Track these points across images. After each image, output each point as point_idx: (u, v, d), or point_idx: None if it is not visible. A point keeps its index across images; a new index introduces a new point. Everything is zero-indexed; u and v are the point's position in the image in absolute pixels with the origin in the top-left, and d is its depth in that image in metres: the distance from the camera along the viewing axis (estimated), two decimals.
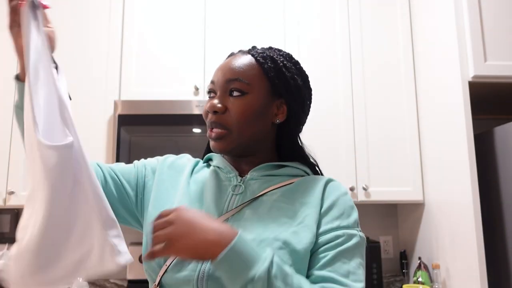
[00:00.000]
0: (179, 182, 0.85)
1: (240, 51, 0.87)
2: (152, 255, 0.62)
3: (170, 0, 2.14)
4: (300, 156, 0.88)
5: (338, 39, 2.14)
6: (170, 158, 0.91)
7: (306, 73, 0.87)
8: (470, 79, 1.71)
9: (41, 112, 0.64)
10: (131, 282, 2.03)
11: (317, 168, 0.89)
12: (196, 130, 1.99)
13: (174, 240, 0.62)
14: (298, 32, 2.14)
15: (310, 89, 0.88)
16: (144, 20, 2.12)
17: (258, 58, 0.82)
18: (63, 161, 0.63)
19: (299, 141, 0.88)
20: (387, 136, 2.08)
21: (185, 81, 2.06)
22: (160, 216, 0.65)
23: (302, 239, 0.71)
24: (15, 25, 0.70)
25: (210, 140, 0.82)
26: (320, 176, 0.86)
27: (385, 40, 2.16)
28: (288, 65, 0.84)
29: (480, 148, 1.72)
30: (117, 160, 1.89)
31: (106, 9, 2.11)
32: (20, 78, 0.73)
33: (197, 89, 2.04)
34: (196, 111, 1.96)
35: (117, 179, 0.84)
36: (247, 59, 0.82)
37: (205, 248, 0.62)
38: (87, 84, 2.04)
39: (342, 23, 2.16)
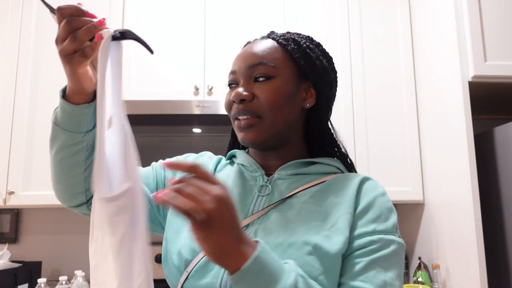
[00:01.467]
0: None
1: (257, 39, 0.82)
2: (162, 201, 0.50)
3: (170, 0, 2.14)
4: (331, 146, 0.81)
5: (338, 39, 2.14)
6: (190, 157, 0.87)
7: (330, 54, 0.82)
8: (470, 79, 1.71)
9: (105, 161, 0.60)
10: None
11: (348, 161, 0.82)
12: (196, 130, 1.99)
13: (212, 220, 0.50)
14: (298, 32, 2.14)
15: (336, 71, 0.82)
16: (144, 20, 2.12)
17: (280, 40, 0.77)
18: (123, 209, 0.60)
19: (330, 126, 0.81)
20: (387, 136, 2.08)
21: (185, 81, 2.06)
22: (200, 174, 0.53)
23: (334, 243, 0.64)
24: (80, 56, 0.60)
25: (238, 131, 0.75)
26: (354, 173, 0.78)
27: (385, 40, 2.16)
28: (311, 46, 0.79)
29: (480, 148, 1.72)
30: None
31: (106, 9, 2.11)
32: (69, 99, 0.68)
33: (197, 89, 2.04)
34: (196, 111, 1.96)
35: None
36: (269, 42, 0.77)
37: (229, 253, 0.53)
38: None
39: (342, 24, 2.16)
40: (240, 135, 0.75)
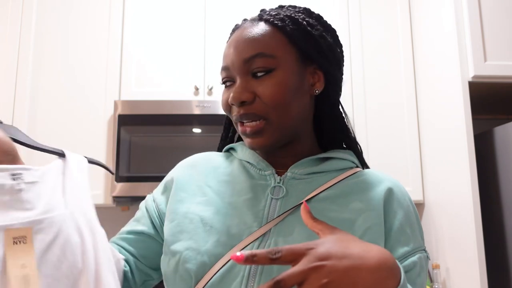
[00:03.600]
0: (192, 195, 0.70)
1: (246, 20, 0.70)
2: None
3: (170, 0, 2.14)
4: (342, 133, 0.73)
5: None
6: (164, 185, 0.75)
7: (332, 26, 0.73)
8: (470, 79, 1.71)
9: None
10: None
11: (359, 149, 0.75)
12: (196, 130, 1.99)
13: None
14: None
15: (341, 44, 0.73)
16: (144, 20, 2.12)
17: (274, 22, 0.65)
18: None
19: (341, 109, 0.73)
20: (387, 136, 2.08)
21: (185, 81, 2.06)
22: (283, 256, 0.44)
23: None
24: None
25: (244, 137, 0.67)
26: (375, 174, 0.70)
27: (385, 40, 2.16)
28: (312, 22, 0.68)
29: (480, 148, 1.72)
30: (117, 160, 1.89)
31: (106, 9, 2.11)
32: None
33: (197, 89, 2.04)
34: (196, 111, 1.96)
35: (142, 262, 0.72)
36: (262, 27, 0.65)
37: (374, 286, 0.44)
38: (87, 84, 2.04)
39: (342, 25, 2.16)
40: (247, 141, 0.66)
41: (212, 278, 0.59)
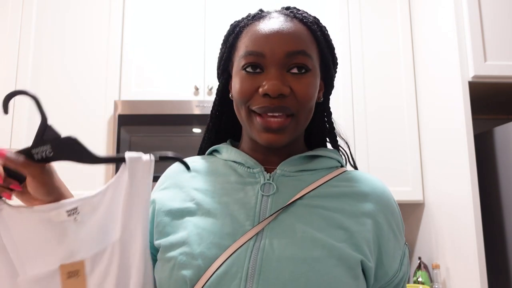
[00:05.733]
0: (181, 202, 0.68)
1: (277, 11, 0.69)
2: None
3: (170, 0, 2.14)
4: (330, 135, 0.75)
5: (338, 41, 2.14)
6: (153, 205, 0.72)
7: None
8: (470, 79, 1.71)
9: None
10: None
11: (346, 151, 0.76)
12: (196, 130, 1.99)
13: None
14: None
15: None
16: (144, 20, 2.12)
17: (308, 23, 0.65)
18: None
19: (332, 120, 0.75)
20: (387, 136, 2.08)
21: (185, 81, 2.06)
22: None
23: (352, 256, 0.60)
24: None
25: (263, 131, 0.63)
26: (364, 176, 0.71)
27: (385, 40, 2.16)
28: (327, 32, 0.69)
29: (480, 148, 1.72)
30: None
31: (106, 9, 2.11)
32: None
33: (197, 89, 2.04)
34: (196, 111, 1.96)
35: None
36: (299, 25, 0.65)
37: None
38: (87, 84, 2.04)
39: (342, 24, 2.16)
40: (264, 136, 0.63)
41: (208, 281, 0.58)
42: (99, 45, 2.08)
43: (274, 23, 0.65)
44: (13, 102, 2.10)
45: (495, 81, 1.72)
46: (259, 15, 0.69)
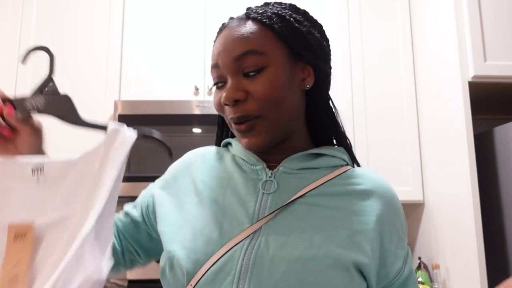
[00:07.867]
0: (184, 194, 0.71)
1: (232, 18, 0.71)
2: None
3: (170, 0, 2.14)
4: (333, 128, 0.74)
5: (338, 41, 2.14)
6: (159, 182, 0.77)
7: (318, 21, 0.73)
8: (470, 79, 1.71)
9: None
10: (131, 282, 2.03)
11: (348, 142, 0.75)
12: (196, 130, 1.99)
13: None
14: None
15: (328, 39, 0.73)
16: (144, 20, 2.12)
17: (263, 20, 0.66)
18: None
19: (331, 104, 0.73)
20: (387, 136, 2.08)
21: (185, 81, 2.06)
22: None
23: (353, 257, 0.60)
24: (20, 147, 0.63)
25: (241, 137, 0.66)
26: (368, 174, 0.71)
27: (385, 40, 2.16)
28: (299, 18, 0.68)
29: (480, 148, 1.72)
30: None
31: (106, 9, 2.11)
32: None
33: (197, 89, 2.04)
34: (196, 111, 1.97)
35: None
36: (250, 25, 0.66)
37: None
38: (87, 84, 2.04)
39: (342, 26, 2.16)
40: (243, 141, 0.66)
41: (204, 276, 0.59)
42: (99, 45, 2.08)
43: (225, 33, 0.67)
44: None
45: (495, 81, 1.72)
46: (221, 27, 0.71)
